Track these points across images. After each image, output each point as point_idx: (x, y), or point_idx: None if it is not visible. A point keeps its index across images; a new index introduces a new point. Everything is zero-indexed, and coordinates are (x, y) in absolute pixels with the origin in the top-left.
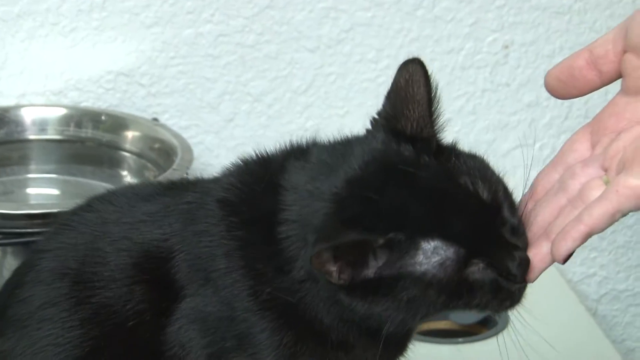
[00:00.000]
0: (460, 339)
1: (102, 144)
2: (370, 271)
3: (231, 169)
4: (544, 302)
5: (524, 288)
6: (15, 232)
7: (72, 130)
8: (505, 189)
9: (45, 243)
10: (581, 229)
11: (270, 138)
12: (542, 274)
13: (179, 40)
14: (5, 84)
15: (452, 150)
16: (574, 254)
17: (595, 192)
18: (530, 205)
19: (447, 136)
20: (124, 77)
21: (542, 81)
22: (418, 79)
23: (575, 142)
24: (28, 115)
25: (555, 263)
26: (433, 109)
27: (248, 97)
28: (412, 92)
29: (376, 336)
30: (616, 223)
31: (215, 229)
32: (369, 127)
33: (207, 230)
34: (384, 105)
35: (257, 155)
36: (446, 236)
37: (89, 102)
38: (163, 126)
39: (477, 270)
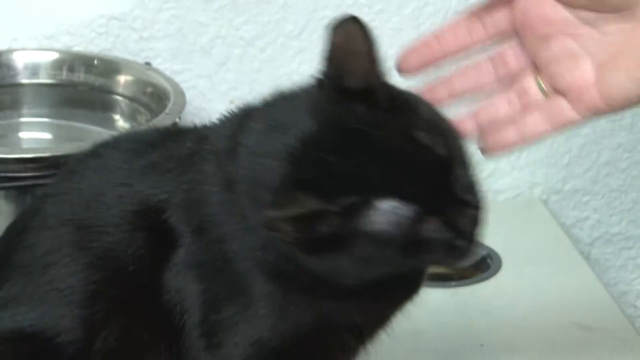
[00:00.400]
0: (453, 283)
1: (94, 88)
2: (323, 232)
3: (216, 122)
4: (537, 246)
5: (473, 244)
6: (8, 177)
7: (64, 75)
8: (458, 140)
9: (51, 189)
10: (516, 140)
11: (262, 83)
12: (535, 218)
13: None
14: None
15: (406, 100)
16: (567, 199)
17: (534, 98)
18: None
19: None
20: (117, 21)
21: None
22: (356, 35)
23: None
24: (20, 59)
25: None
26: (375, 57)
27: (241, 41)
28: (352, 48)
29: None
30: (609, 166)
31: (209, 179)
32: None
33: (202, 179)
34: (324, 67)
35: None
36: (401, 196)
37: (82, 46)
38: (155, 70)
39: (432, 229)
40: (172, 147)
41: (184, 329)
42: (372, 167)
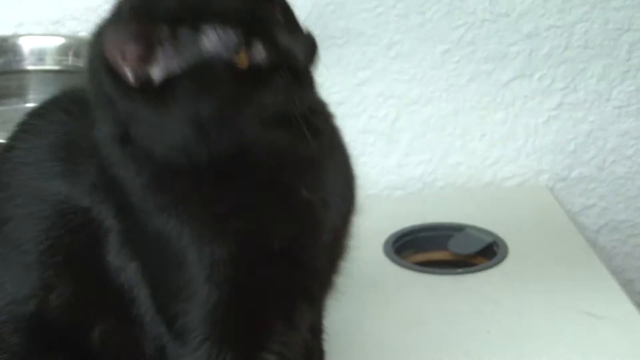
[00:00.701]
0: (459, 270)
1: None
2: (159, 68)
3: None
4: (543, 233)
5: (307, 67)
6: None
7: (70, 60)
8: None
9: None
10: None
11: None
12: (541, 205)
13: None
14: (3, 12)
15: None
16: (574, 186)
17: None
18: None
19: (448, 66)
20: None
21: (541, 11)
22: None
23: None
24: (26, 45)
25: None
26: None
27: None
28: None
29: None
30: (615, 153)
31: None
32: None
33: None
34: None
35: None
36: (225, 20)
37: (87, 31)
38: None
39: (259, 51)
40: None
41: (136, 302)
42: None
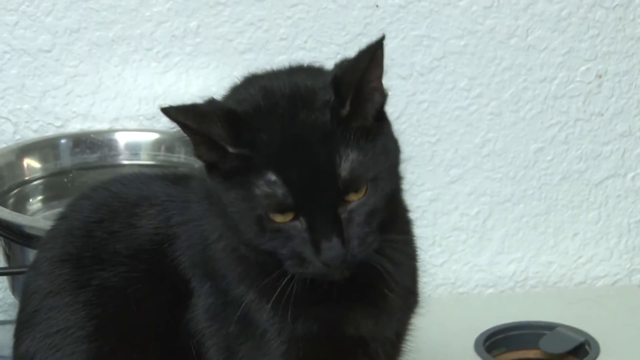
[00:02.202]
0: None
1: (194, 169)
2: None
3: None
4: (636, 333)
5: (326, 270)
6: None
7: (163, 155)
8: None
9: (43, 239)
10: None
11: None
12: (634, 305)
13: (272, 67)
14: (99, 108)
15: None
16: None
17: None
18: None
19: (540, 165)
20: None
21: (635, 111)
22: None
23: None
24: (121, 140)
25: None
26: None
27: None
28: None
29: None
30: None
31: (203, 218)
32: None
33: (199, 220)
34: None
35: None
36: (285, 180)
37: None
38: None
39: (295, 225)
40: (169, 190)
41: None
42: (278, 145)
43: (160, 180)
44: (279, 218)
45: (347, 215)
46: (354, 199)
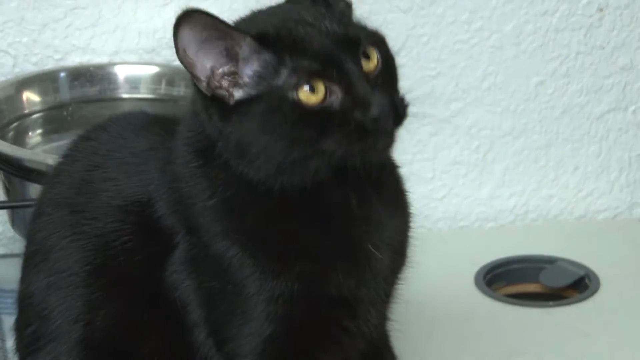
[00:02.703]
0: (550, 303)
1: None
2: (241, 86)
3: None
4: (636, 266)
5: (382, 127)
6: None
7: (164, 89)
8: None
9: (47, 176)
10: None
11: None
12: (635, 238)
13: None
14: (99, 41)
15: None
16: None
17: None
18: None
19: (541, 99)
20: None
21: (637, 44)
22: None
23: None
24: (121, 73)
25: None
26: None
27: None
28: None
29: None
30: None
31: (188, 171)
32: None
33: (182, 173)
34: None
35: None
36: (307, 56)
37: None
38: None
39: (334, 98)
40: (154, 140)
41: (187, 321)
42: (285, 31)
43: (153, 127)
44: (312, 98)
45: (373, 81)
46: (372, 68)
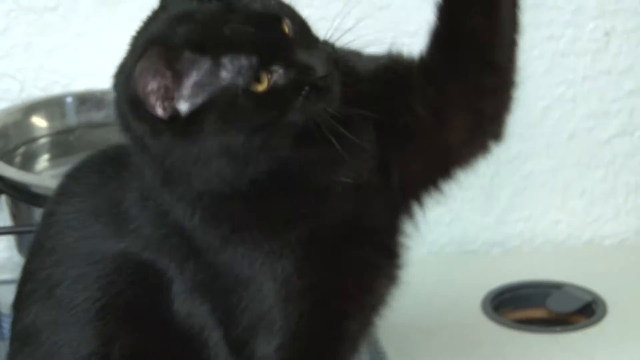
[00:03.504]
0: (557, 328)
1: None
2: (185, 100)
3: None
4: None
5: (331, 80)
6: None
7: None
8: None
9: (44, 214)
10: None
11: None
12: (637, 258)
13: None
14: (106, 65)
15: None
16: None
17: None
18: None
19: (548, 123)
20: None
21: None
22: None
23: None
24: None
25: None
26: None
27: None
28: None
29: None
30: None
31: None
32: None
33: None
34: None
35: None
36: (240, 48)
37: None
38: None
39: (279, 76)
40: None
41: (208, 346)
42: (214, 33)
43: (113, 165)
44: (259, 87)
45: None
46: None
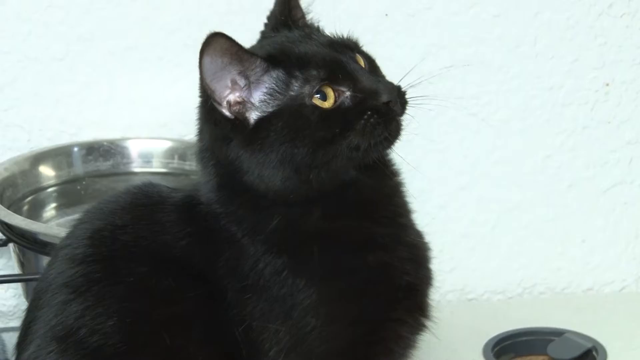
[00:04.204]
0: None
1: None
2: (255, 108)
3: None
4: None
5: (396, 109)
6: None
7: (176, 163)
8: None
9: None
10: None
11: None
12: (637, 306)
13: None
14: (112, 116)
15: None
16: None
17: None
18: None
19: (548, 172)
20: None
21: None
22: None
23: None
24: (134, 148)
25: None
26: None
27: None
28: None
29: None
30: None
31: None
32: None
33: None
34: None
35: None
36: (313, 66)
37: (193, 134)
38: None
39: (345, 98)
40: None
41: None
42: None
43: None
44: (324, 104)
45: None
46: (364, 66)
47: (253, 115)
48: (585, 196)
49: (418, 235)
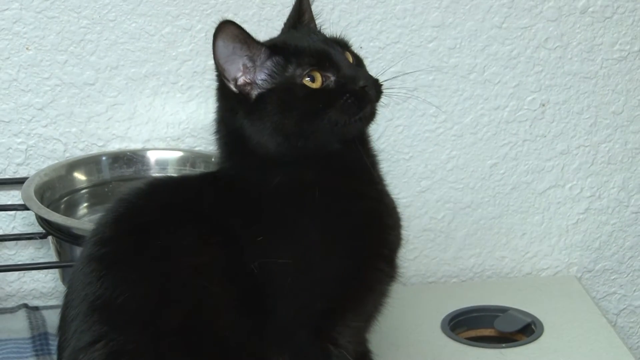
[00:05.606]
0: (503, 345)
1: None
2: (257, 85)
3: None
4: (573, 315)
5: (370, 93)
6: None
7: (187, 169)
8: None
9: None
10: None
11: None
12: (571, 292)
13: None
14: (134, 131)
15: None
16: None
17: None
18: None
19: (495, 177)
20: None
21: (572, 133)
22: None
23: None
24: (152, 157)
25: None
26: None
27: None
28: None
29: None
30: (633, 250)
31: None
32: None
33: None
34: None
35: None
36: (305, 54)
37: (202, 146)
38: None
39: (330, 82)
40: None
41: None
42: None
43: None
44: (313, 85)
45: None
46: (351, 61)
47: (255, 91)
48: (525, 197)
49: (393, 203)
